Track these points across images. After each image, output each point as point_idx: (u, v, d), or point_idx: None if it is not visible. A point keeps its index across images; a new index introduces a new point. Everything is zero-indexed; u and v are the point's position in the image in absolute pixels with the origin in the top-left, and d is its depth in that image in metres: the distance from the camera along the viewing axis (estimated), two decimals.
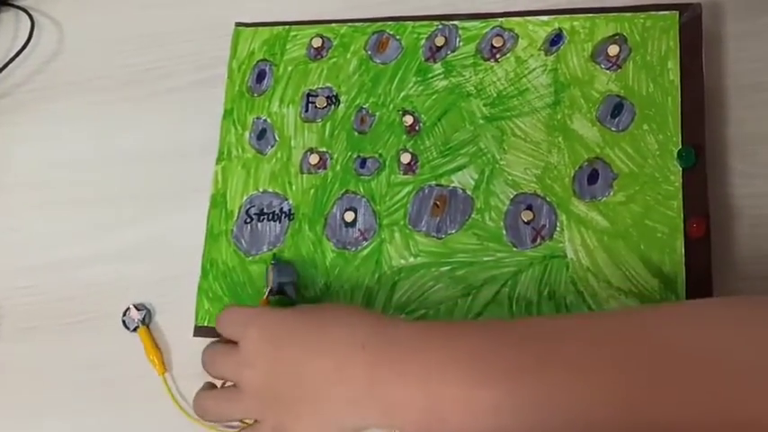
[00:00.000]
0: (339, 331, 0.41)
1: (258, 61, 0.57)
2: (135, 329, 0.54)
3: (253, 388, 0.43)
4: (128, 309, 0.54)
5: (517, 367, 0.37)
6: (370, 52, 0.56)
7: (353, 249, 0.52)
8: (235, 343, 0.45)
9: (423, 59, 0.54)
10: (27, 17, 0.63)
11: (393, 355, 0.40)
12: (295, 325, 0.43)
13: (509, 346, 0.38)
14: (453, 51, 0.54)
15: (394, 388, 0.39)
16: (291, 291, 0.50)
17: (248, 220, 0.54)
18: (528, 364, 0.37)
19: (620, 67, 0.51)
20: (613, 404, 0.35)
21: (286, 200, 0.54)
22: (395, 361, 0.39)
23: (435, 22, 0.55)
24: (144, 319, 0.54)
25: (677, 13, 0.50)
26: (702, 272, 0.46)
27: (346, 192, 0.53)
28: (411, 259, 0.51)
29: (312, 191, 0.54)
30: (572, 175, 0.50)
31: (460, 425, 0.38)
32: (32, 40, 0.63)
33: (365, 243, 0.52)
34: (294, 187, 0.54)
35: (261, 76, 0.57)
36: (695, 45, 0.50)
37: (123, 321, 0.54)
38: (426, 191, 0.52)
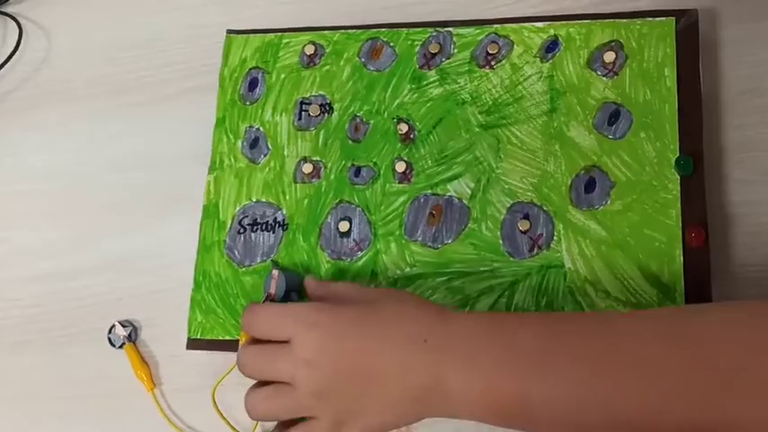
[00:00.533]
0: (400, 326, 0.41)
1: (250, 69, 0.56)
2: (121, 346, 0.53)
3: (311, 386, 0.42)
4: (113, 326, 0.54)
5: (580, 364, 0.37)
6: (363, 59, 0.55)
7: (349, 260, 0.51)
8: (272, 341, 0.44)
9: (417, 66, 0.54)
10: (15, 24, 0.62)
11: (456, 349, 0.40)
12: (354, 321, 0.42)
13: (576, 341, 0.38)
14: (448, 58, 0.53)
15: (460, 378, 0.39)
16: (296, 298, 0.49)
17: (241, 231, 0.53)
18: (592, 361, 0.37)
19: (616, 73, 0.50)
20: (682, 407, 0.35)
21: (280, 210, 0.53)
22: (457, 355, 0.40)
23: (429, 29, 0.54)
24: (130, 335, 0.53)
25: (674, 19, 0.50)
26: (702, 282, 0.46)
27: (341, 201, 0.52)
28: (407, 269, 0.50)
29: (306, 200, 0.53)
30: (569, 183, 0.49)
31: (523, 416, 0.38)
32: (20, 48, 0.62)
33: (360, 253, 0.51)
34: (288, 197, 0.53)
35: (253, 84, 0.56)
36: (692, 52, 0.49)
37: (109, 339, 0.54)
38: (422, 200, 0.51)
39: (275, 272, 0.48)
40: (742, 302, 0.42)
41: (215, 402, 0.49)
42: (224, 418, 0.50)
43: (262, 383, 0.44)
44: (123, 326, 0.54)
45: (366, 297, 0.45)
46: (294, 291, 0.49)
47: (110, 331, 0.54)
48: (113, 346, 0.53)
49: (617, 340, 0.38)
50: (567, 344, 0.38)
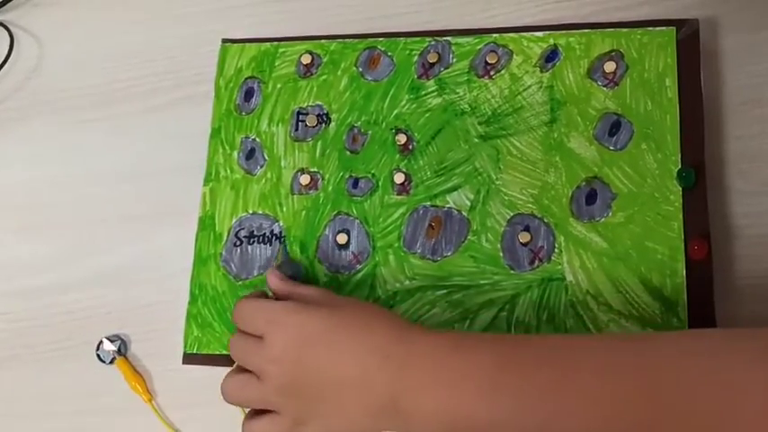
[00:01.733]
0: (364, 338, 0.42)
1: (246, 79, 0.56)
2: (111, 362, 0.52)
3: (276, 383, 0.43)
4: (100, 342, 0.53)
5: (529, 388, 0.38)
6: (361, 69, 0.54)
7: (347, 273, 0.51)
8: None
9: (415, 76, 0.53)
10: (6, 33, 0.61)
11: (414, 368, 0.40)
12: (322, 327, 0.43)
13: (526, 363, 0.39)
14: (447, 68, 0.53)
15: (415, 399, 0.40)
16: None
17: (238, 243, 0.52)
18: (541, 386, 0.38)
19: (617, 84, 0.50)
20: None
21: (276, 222, 0.52)
22: (415, 375, 0.40)
23: (428, 38, 0.54)
24: (119, 349, 0.53)
25: (674, 29, 0.50)
26: (704, 294, 0.45)
27: (339, 213, 0.52)
28: (406, 282, 0.50)
29: (303, 212, 0.52)
30: (570, 195, 0.49)
31: None
32: (12, 57, 0.61)
33: (359, 266, 0.50)
34: (285, 209, 0.53)
35: (249, 94, 0.55)
36: (693, 61, 0.49)
37: (98, 355, 0.53)
38: (421, 212, 0.51)
39: (281, 248, 0.49)
40: (705, 332, 0.43)
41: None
42: None
43: (242, 369, 0.46)
44: (111, 341, 0.53)
45: (332, 302, 0.45)
46: (294, 278, 0.49)
47: (98, 348, 0.53)
48: (103, 362, 0.53)
49: (567, 366, 0.38)
50: (518, 369, 0.39)
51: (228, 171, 0.54)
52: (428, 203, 0.51)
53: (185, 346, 0.51)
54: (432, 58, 0.53)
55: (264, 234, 0.52)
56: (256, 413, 0.45)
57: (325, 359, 0.42)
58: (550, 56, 0.51)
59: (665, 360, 0.36)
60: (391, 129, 0.53)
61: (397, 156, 0.52)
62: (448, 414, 0.39)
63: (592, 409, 0.36)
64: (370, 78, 0.54)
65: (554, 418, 0.37)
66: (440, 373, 0.40)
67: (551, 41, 0.52)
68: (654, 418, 0.35)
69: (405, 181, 0.51)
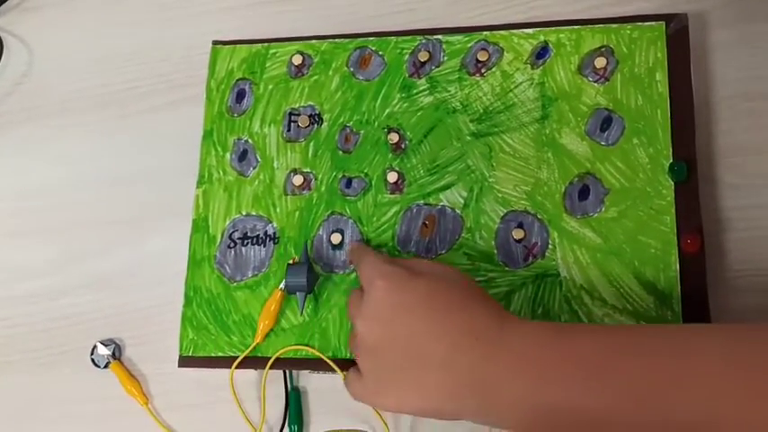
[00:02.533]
0: (459, 319, 0.41)
1: (237, 80, 0.56)
2: (106, 366, 0.52)
3: (364, 341, 0.43)
4: (94, 347, 0.53)
5: (646, 377, 0.36)
6: (352, 69, 0.54)
7: (341, 272, 0.51)
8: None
9: (407, 75, 0.53)
10: None
11: (503, 352, 0.39)
12: (421, 299, 0.42)
13: (640, 354, 0.37)
14: (438, 66, 0.53)
15: (505, 385, 0.39)
16: (302, 298, 0.49)
17: (232, 245, 0.52)
18: (659, 375, 0.35)
19: (607, 79, 0.50)
20: (753, 426, 0.33)
21: (270, 223, 0.52)
22: (510, 358, 0.39)
23: (418, 37, 0.54)
24: (114, 353, 0.52)
25: (664, 23, 0.50)
26: (698, 288, 0.46)
27: (332, 213, 0.52)
28: None
29: (297, 213, 0.52)
30: (563, 191, 0.49)
31: (570, 429, 0.37)
32: (2, 62, 0.61)
33: (353, 266, 0.50)
34: (278, 210, 0.53)
35: (240, 96, 0.55)
36: (683, 56, 0.49)
37: (92, 360, 0.53)
38: (414, 210, 0.51)
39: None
40: None
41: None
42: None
43: None
44: (105, 345, 0.53)
45: (438, 273, 0.44)
46: (300, 288, 0.49)
47: (92, 352, 0.53)
48: (98, 366, 0.53)
49: (688, 354, 0.36)
50: (632, 357, 0.37)
51: (221, 173, 0.54)
52: (421, 202, 0.51)
53: (180, 349, 0.51)
54: (423, 57, 0.53)
55: (258, 235, 0.52)
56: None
57: (416, 328, 0.41)
58: (541, 52, 0.52)
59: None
60: (383, 128, 0.53)
61: (390, 155, 0.52)
62: (544, 401, 0.37)
63: (720, 403, 0.34)
64: (361, 78, 0.54)
65: (676, 412, 0.34)
66: (538, 359, 0.38)
67: (542, 38, 0.52)
68: None
69: (398, 180, 0.51)
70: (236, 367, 0.50)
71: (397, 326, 0.42)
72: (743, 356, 0.35)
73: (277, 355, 0.48)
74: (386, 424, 0.47)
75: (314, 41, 0.55)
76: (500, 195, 0.50)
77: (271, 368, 0.49)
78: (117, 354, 0.53)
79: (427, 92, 0.53)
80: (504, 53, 0.52)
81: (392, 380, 0.42)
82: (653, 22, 0.50)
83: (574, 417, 0.37)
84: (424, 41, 0.54)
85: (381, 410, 0.44)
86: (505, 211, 0.49)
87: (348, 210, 0.52)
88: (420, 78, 0.53)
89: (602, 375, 0.37)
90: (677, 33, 0.50)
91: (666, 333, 0.38)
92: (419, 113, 0.52)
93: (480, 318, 0.41)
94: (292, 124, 0.54)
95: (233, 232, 0.53)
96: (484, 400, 0.39)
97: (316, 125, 0.54)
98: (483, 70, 0.52)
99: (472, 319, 0.41)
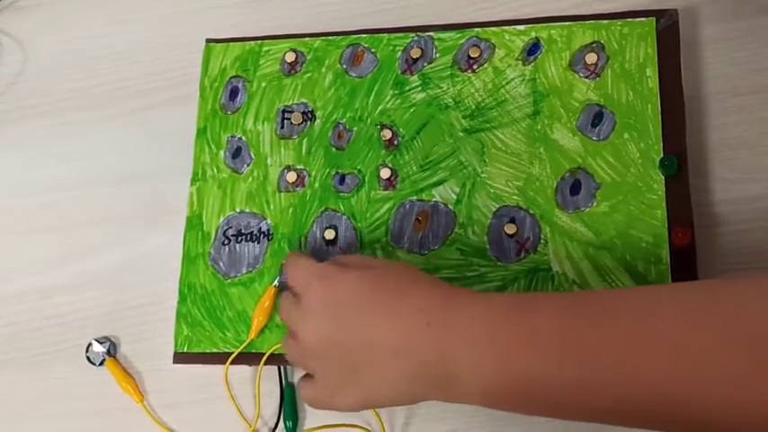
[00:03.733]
0: (400, 303, 0.40)
1: (231, 78, 0.56)
2: (102, 363, 0.53)
3: (311, 346, 0.42)
4: (89, 344, 0.53)
5: (607, 343, 0.35)
6: (345, 66, 0.54)
7: None
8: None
9: (399, 72, 0.54)
10: None
11: (458, 331, 0.38)
12: (360, 289, 0.41)
13: (598, 320, 0.36)
14: (430, 63, 0.53)
15: (467, 364, 0.38)
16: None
17: (226, 242, 0.53)
18: (619, 342, 0.35)
19: (598, 75, 0.50)
20: (716, 382, 0.33)
21: (264, 219, 0.53)
22: (466, 335, 0.38)
23: (411, 34, 0.54)
24: (109, 350, 0.53)
25: (654, 19, 0.50)
26: (689, 280, 0.46)
27: (326, 209, 0.52)
28: None
29: (291, 210, 0.52)
30: (554, 186, 0.49)
31: (536, 400, 0.37)
32: None
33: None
34: (272, 206, 0.53)
35: (234, 93, 0.55)
36: (673, 51, 0.49)
37: (88, 357, 0.53)
38: (407, 206, 0.51)
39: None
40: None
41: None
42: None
43: None
44: (100, 342, 0.53)
45: (369, 264, 0.44)
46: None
47: (87, 350, 0.53)
48: (93, 364, 0.53)
49: (646, 316, 0.35)
50: (588, 325, 0.36)
51: (215, 170, 0.54)
52: (414, 198, 0.51)
53: (175, 346, 0.51)
54: (415, 54, 0.53)
55: (252, 232, 0.53)
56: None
57: (360, 323, 0.41)
58: (532, 49, 0.52)
59: (745, 305, 0.33)
60: (376, 125, 0.53)
61: (383, 151, 0.52)
62: (507, 375, 0.37)
63: (679, 361, 0.33)
64: (354, 75, 0.54)
65: (639, 374, 0.34)
66: (494, 333, 0.38)
67: (533, 34, 0.52)
68: (749, 368, 0.32)
69: (391, 176, 0.52)
70: (231, 363, 0.50)
71: (342, 322, 0.41)
72: (699, 316, 0.34)
73: (271, 350, 0.49)
74: (380, 419, 0.48)
75: (307, 39, 0.55)
76: (492, 191, 0.50)
77: (265, 364, 0.49)
78: (112, 351, 0.53)
79: (419, 88, 0.53)
80: (496, 49, 0.52)
81: (349, 379, 0.41)
82: (643, 18, 0.50)
83: (538, 388, 0.37)
84: (416, 38, 0.54)
85: (343, 412, 0.43)
86: (498, 206, 0.50)
87: (342, 206, 0.52)
88: (412, 75, 0.53)
89: (561, 347, 0.36)
90: (667, 29, 0.50)
91: (622, 297, 0.38)
92: (412, 110, 0.53)
93: (428, 300, 0.40)
94: (285, 121, 0.54)
95: (227, 229, 0.53)
96: (447, 380, 0.39)
97: (309, 122, 0.54)
98: (475, 67, 0.53)
99: (419, 301, 0.40)
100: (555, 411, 0.38)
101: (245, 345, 0.49)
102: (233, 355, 0.49)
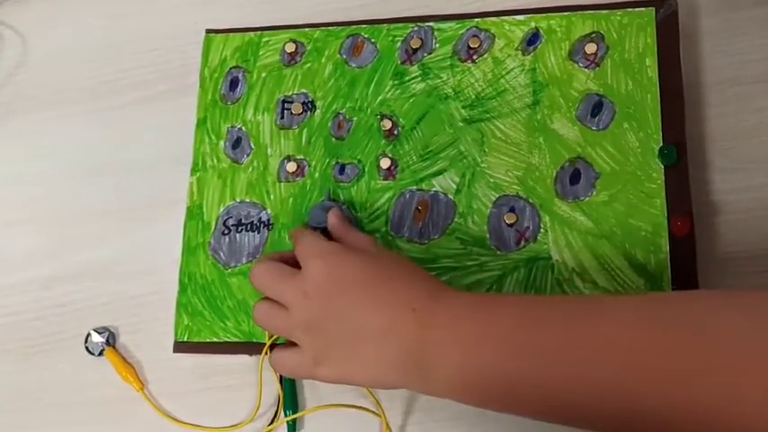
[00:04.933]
0: (396, 291, 0.42)
1: (231, 68, 0.56)
2: (101, 353, 0.53)
3: (302, 316, 0.43)
4: (88, 334, 0.53)
5: (554, 343, 0.37)
6: (345, 56, 0.55)
7: None
8: (294, 266, 0.45)
9: (399, 62, 0.54)
10: None
11: (441, 322, 0.40)
12: (360, 272, 0.43)
13: (551, 321, 0.38)
14: (430, 53, 0.53)
15: (437, 355, 0.40)
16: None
17: (226, 232, 0.53)
18: (566, 341, 0.37)
19: (598, 65, 0.51)
20: (652, 385, 0.35)
21: (264, 209, 0.53)
22: (441, 329, 0.40)
23: (410, 24, 0.54)
24: (108, 340, 0.53)
25: (653, 9, 0.50)
26: (688, 270, 0.46)
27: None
28: None
29: (291, 199, 0.53)
30: (554, 175, 0.49)
31: (496, 393, 0.39)
32: None
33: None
34: (272, 196, 0.53)
35: (234, 84, 0.56)
36: (672, 41, 0.50)
37: (87, 348, 0.53)
38: (407, 196, 0.51)
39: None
40: (729, 292, 0.42)
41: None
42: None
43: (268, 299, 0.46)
44: (99, 332, 0.53)
45: (376, 252, 0.46)
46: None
47: (86, 340, 0.53)
48: (92, 354, 0.53)
49: (594, 322, 0.38)
50: (544, 325, 0.38)
51: (215, 160, 0.54)
52: (414, 188, 0.51)
53: (176, 335, 0.51)
54: (415, 44, 0.53)
55: (252, 222, 0.53)
56: (289, 344, 0.46)
57: (354, 303, 0.42)
58: (532, 39, 0.52)
59: (701, 314, 0.35)
60: (376, 115, 0.53)
61: (383, 141, 0.52)
62: (470, 371, 0.39)
63: (622, 361, 0.36)
64: (354, 65, 0.54)
65: (582, 371, 0.36)
66: (462, 331, 0.40)
67: (533, 24, 0.52)
68: (685, 370, 0.34)
69: (391, 166, 0.52)
70: (230, 353, 0.50)
71: (336, 299, 0.43)
72: (654, 318, 0.36)
73: (272, 339, 0.49)
74: (379, 404, 0.48)
75: (307, 29, 0.56)
76: (492, 180, 0.50)
77: (266, 353, 0.49)
78: (111, 341, 0.53)
79: (419, 79, 0.53)
80: (496, 40, 0.53)
81: (333, 353, 0.43)
82: (643, 8, 0.51)
83: (498, 384, 0.38)
84: (416, 29, 0.54)
85: (321, 381, 0.44)
86: (497, 195, 0.50)
87: (342, 196, 0.52)
88: (412, 65, 0.53)
89: (518, 344, 0.38)
90: (667, 19, 0.50)
91: (582, 301, 0.41)
92: (411, 100, 0.53)
93: (417, 290, 0.42)
94: (285, 111, 0.54)
95: (227, 219, 0.53)
96: (422, 371, 0.40)
97: (309, 112, 0.54)
98: (475, 57, 0.53)
99: (410, 290, 0.42)
100: (515, 407, 0.39)
101: (272, 340, 0.48)
102: (266, 347, 0.48)
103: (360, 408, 0.48)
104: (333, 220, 0.49)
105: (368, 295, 0.42)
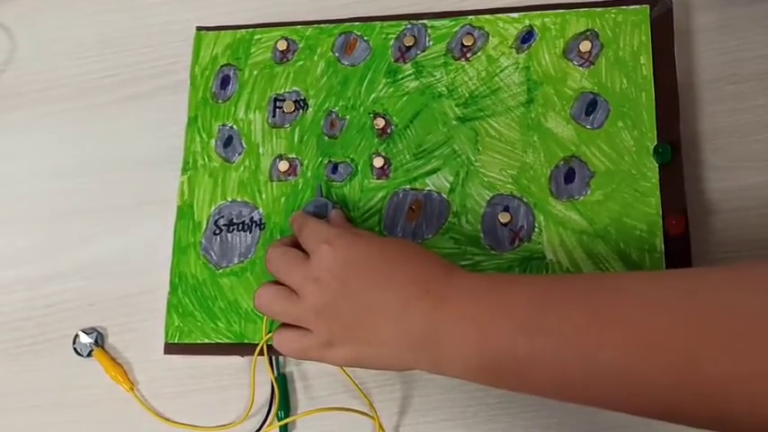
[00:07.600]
0: (409, 271, 0.42)
1: (222, 66, 0.55)
2: (89, 354, 0.52)
3: (314, 302, 0.43)
4: (76, 335, 0.52)
5: (569, 323, 0.37)
6: (337, 54, 0.54)
7: None
8: (302, 251, 0.45)
9: (392, 60, 0.53)
10: None
11: (453, 302, 0.40)
12: (370, 254, 0.43)
13: (566, 299, 0.38)
14: (423, 51, 0.53)
15: (451, 334, 0.40)
16: None
17: (217, 232, 0.52)
18: (582, 321, 0.37)
19: (592, 63, 0.50)
20: (664, 363, 0.34)
21: (256, 209, 0.52)
22: (454, 308, 0.40)
23: (404, 22, 0.54)
24: (96, 341, 0.52)
25: (648, 7, 0.50)
26: (683, 268, 0.46)
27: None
28: None
29: (283, 199, 0.52)
30: (548, 174, 0.49)
31: (510, 372, 0.38)
32: None
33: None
34: (264, 196, 0.52)
35: (225, 82, 0.55)
36: (667, 39, 0.49)
37: (75, 349, 0.52)
38: (401, 195, 0.51)
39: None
40: (746, 266, 0.38)
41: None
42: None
43: (277, 283, 0.46)
44: (87, 333, 0.52)
45: (381, 238, 0.47)
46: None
47: (74, 341, 0.52)
48: (81, 355, 0.52)
49: (611, 299, 0.37)
50: (556, 303, 0.38)
51: (206, 159, 0.54)
52: (408, 187, 0.51)
53: (166, 336, 0.51)
54: (408, 42, 0.53)
55: (244, 221, 0.52)
56: (286, 325, 0.46)
57: (369, 284, 0.42)
58: (526, 37, 0.52)
59: (711, 293, 0.35)
60: (369, 113, 0.52)
61: (376, 140, 0.52)
62: (487, 350, 0.39)
63: (635, 341, 0.35)
64: (346, 63, 0.54)
65: (596, 350, 0.36)
66: (477, 310, 0.39)
67: (527, 22, 0.52)
68: (698, 349, 0.34)
69: (384, 165, 0.51)
70: (222, 354, 0.50)
71: (350, 281, 0.42)
72: (665, 298, 0.36)
73: (265, 340, 0.48)
74: (372, 406, 0.47)
75: (299, 27, 0.55)
76: (486, 179, 0.50)
77: (259, 355, 0.48)
78: (100, 341, 0.52)
79: (413, 77, 0.53)
80: (490, 38, 0.52)
81: (346, 336, 0.43)
82: (637, 6, 0.50)
83: (513, 362, 0.38)
84: (409, 26, 0.53)
85: (330, 364, 0.44)
86: (491, 194, 0.49)
87: (334, 195, 0.51)
88: (405, 63, 0.53)
89: (534, 322, 0.38)
90: (661, 17, 0.50)
91: (598, 278, 0.41)
92: (405, 98, 0.52)
93: (429, 271, 0.42)
94: (277, 110, 0.54)
95: (218, 219, 0.52)
96: (436, 351, 0.40)
97: (301, 111, 0.53)
98: (468, 55, 0.52)
99: (423, 270, 0.42)
100: (531, 386, 0.39)
101: (265, 339, 0.48)
102: (260, 345, 0.48)
103: (353, 410, 0.47)
104: (334, 216, 0.49)
105: (381, 278, 0.42)
